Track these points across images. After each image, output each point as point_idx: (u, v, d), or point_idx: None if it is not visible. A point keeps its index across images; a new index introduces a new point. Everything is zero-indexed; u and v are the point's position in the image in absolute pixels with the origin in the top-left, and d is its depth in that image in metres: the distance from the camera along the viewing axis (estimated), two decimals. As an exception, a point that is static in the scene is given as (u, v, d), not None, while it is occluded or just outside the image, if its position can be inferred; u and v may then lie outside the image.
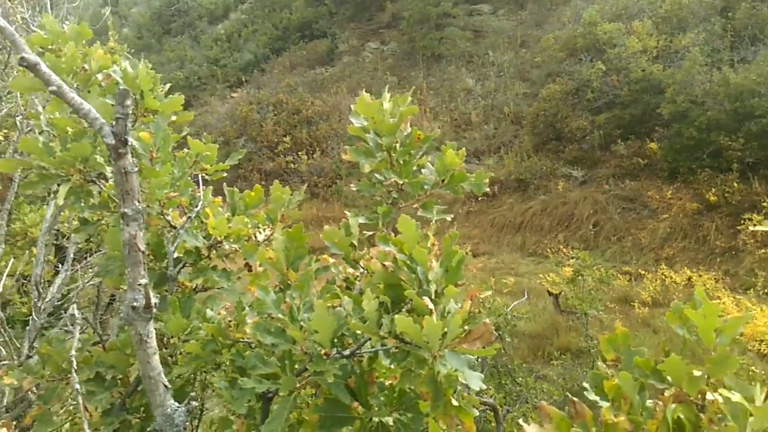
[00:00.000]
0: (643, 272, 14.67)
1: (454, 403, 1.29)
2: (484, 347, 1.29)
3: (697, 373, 1.07)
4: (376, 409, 1.43)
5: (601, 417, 1.09)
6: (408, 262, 1.38)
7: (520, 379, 8.87)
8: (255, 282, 2.11)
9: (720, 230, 15.49)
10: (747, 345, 10.22)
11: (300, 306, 1.45)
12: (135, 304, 1.28)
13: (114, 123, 1.25)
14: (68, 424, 2.55)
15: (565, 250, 16.28)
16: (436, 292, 1.36)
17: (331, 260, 1.89)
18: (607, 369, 1.19)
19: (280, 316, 1.41)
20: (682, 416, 1.09)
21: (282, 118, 27.75)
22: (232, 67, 33.90)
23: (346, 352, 1.46)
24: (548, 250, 17.13)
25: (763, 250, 14.11)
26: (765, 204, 14.90)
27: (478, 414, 1.85)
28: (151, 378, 1.32)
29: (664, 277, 14.05)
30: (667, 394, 1.09)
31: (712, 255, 15.08)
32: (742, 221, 14.99)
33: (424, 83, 27.16)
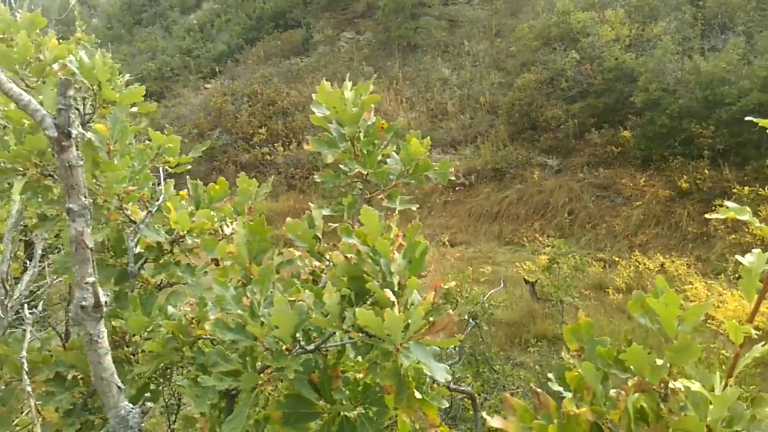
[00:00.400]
0: (617, 259, 14.91)
1: (418, 395, 1.27)
2: (448, 338, 1.27)
3: (658, 362, 1.07)
4: (340, 403, 1.40)
5: (563, 408, 1.08)
6: (371, 254, 1.35)
7: (498, 366, 8.95)
8: (221, 277, 2.07)
9: (692, 216, 15.80)
10: (719, 329, 10.47)
11: (261, 301, 1.41)
12: (84, 303, 1.23)
13: (56, 114, 1.19)
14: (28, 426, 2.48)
15: (541, 238, 16.45)
16: (399, 283, 1.33)
17: (298, 253, 1.86)
18: (570, 359, 1.18)
19: (239, 312, 1.38)
20: (645, 405, 1.08)
21: (257, 109, 27.43)
22: (206, 58, 33.32)
23: (311, 347, 1.43)
24: (524, 238, 17.29)
25: (733, 236, 14.43)
26: (735, 190, 15.22)
27: (448, 405, 1.84)
28: (103, 379, 1.27)
29: (637, 263, 14.29)
30: (630, 383, 1.09)
31: (684, 241, 15.37)
32: (713, 207, 15.30)
33: (400, 73, 27.09)
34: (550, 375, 1.20)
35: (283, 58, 31.17)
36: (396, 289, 1.30)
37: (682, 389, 1.07)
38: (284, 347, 1.35)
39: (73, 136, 1.20)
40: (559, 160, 19.98)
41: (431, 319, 1.33)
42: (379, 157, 1.81)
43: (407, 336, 1.24)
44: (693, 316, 1.06)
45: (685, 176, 16.47)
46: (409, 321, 1.23)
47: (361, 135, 1.78)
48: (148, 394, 1.35)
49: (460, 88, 25.36)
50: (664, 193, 16.69)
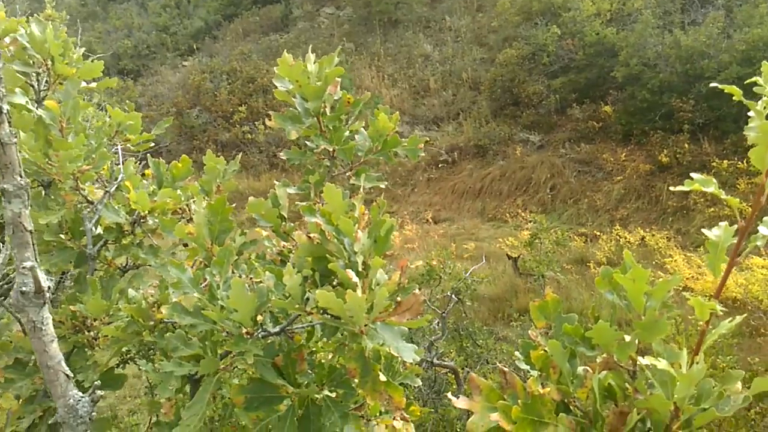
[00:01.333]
0: (598, 233, 15.05)
1: (382, 378, 1.24)
2: (414, 319, 1.23)
3: (626, 338, 1.04)
4: (306, 387, 1.36)
5: (528, 387, 1.06)
6: (335, 233, 1.30)
7: (481, 341, 9.02)
8: (190, 258, 2.01)
9: (672, 190, 15.95)
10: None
11: (220, 283, 1.36)
12: (24, 288, 1.17)
13: (-16, 88, 1.11)
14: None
15: (523, 214, 16.53)
16: (364, 263, 1.28)
17: (265, 233, 1.80)
18: (538, 337, 1.15)
19: (195, 295, 1.32)
20: (612, 383, 1.06)
21: (236, 86, 26.95)
22: (183, 35, 32.63)
23: (275, 329, 1.39)
24: (507, 214, 17.37)
25: (712, 209, 14.62)
26: (714, 164, 15.38)
27: (420, 384, 1.81)
28: (49, 368, 1.21)
29: (618, 237, 14.44)
30: (598, 361, 1.06)
31: (664, 215, 15.55)
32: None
33: (381, 49, 26.74)
34: (517, 353, 1.17)
35: (262, 35, 30.59)
36: (360, 269, 1.25)
37: (649, 366, 1.04)
38: (244, 331, 1.30)
39: (4, 111, 1.12)
40: (541, 136, 19.99)
41: (398, 299, 1.28)
42: (347, 133, 1.75)
43: (371, 317, 1.20)
44: (661, 292, 1.03)
45: (665, 150, 16.59)
46: (374, 302, 1.19)
47: (327, 110, 1.72)
48: (98, 383, 1.29)
49: (442, 65, 25.13)
50: (645, 167, 16.81)
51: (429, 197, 19.78)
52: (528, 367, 1.14)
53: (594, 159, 18.20)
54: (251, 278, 1.49)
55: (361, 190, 1.44)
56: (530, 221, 13.27)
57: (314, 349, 1.72)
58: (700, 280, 11.38)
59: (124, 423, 7.02)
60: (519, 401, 1.04)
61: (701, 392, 0.98)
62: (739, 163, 14.97)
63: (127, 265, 2.07)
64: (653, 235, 14.29)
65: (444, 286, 9.55)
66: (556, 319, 1.14)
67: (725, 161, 15.22)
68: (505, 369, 1.12)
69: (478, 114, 21.83)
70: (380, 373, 1.23)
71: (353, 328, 1.19)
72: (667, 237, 14.26)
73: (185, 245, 2.22)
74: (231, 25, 31.90)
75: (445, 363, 7.65)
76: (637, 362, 1.05)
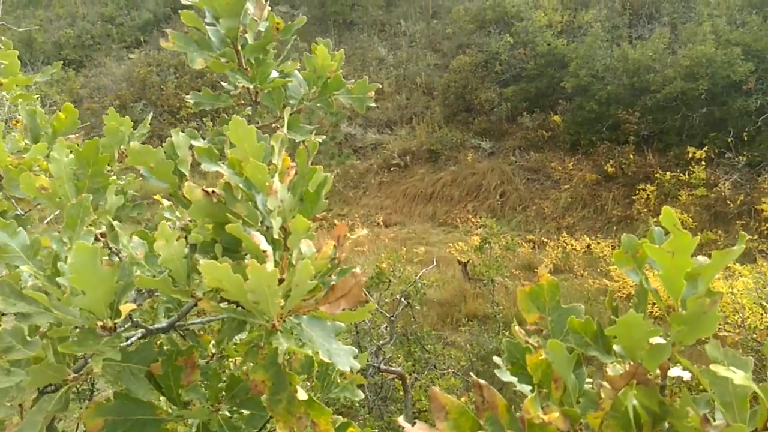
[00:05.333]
0: (545, 240, 15.12)
1: (302, 396, 0.85)
2: (352, 309, 0.86)
3: (657, 340, 0.70)
4: (192, 406, 0.96)
5: (522, 411, 0.70)
6: (244, 186, 0.92)
7: (429, 346, 8.76)
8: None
9: (616, 200, 16.24)
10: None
11: (69, 254, 0.94)
12: None
13: None
14: None
15: (473, 219, 16.46)
16: (283, 228, 0.90)
17: (167, 202, 1.39)
18: (526, 336, 0.80)
19: (25, 268, 0.90)
20: (636, 403, 0.72)
21: (184, 81, 26.00)
22: (130, 27, 31.46)
23: (162, 325, 0.99)
24: (458, 219, 17.27)
25: (655, 219, 14.92)
26: (657, 175, 15.75)
27: (361, 398, 1.44)
28: None
29: (565, 244, 14.53)
30: (611, 371, 0.71)
31: (609, 223, 15.78)
32: (637, 191, 15.79)
33: (335, 50, 26.37)
34: (497, 359, 0.82)
35: (212, 29, 29.69)
36: (277, 236, 0.87)
37: (687, 379, 0.72)
38: (99, 324, 0.89)
39: None
40: (492, 143, 20.05)
41: (333, 279, 0.91)
42: (275, 73, 1.36)
43: (289, 306, 0.82)
44: (712, 270, 0.70)
45: (611, 161, 16.89)
46: (292, 283, 0.81)
47: (249, 38, 1.33)
48: None
49: (396, 68, 24.98)
50: (591, 176, 17.07)
51: (380, 201, 19.49)
52: (514, 379, 0.79)
53: (542, 167, 18.38)
54: (112, 247, 1.07)
55: (284, 131, 1.05)
56: (481, 226, 13.14)
57: (225, 353, 1.32)
58: (643, 288, 11.50)
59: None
60: (507, 429, 0.69)
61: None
62: (681, 175, 15.38)
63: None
64: (598, 243, 14.46)
65: (393, 289, 9.25)
66: (554, 310, 0.79)
67: (668, 173, 15.61)
68: (482, 382, 0.76)
69: (431, 119, 21.74)
70: (299, 388, 0.85)
71: (260, 320, 0.81)
72: (611, 245, 14.44)
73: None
74: (181, 18, 30.85)
75: (393, 369, 7.32)
76: (669, 374, 0.72)
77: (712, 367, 0.62)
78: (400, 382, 7.43)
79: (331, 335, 0.93)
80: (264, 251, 0.78)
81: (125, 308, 0.82)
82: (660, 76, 16.17)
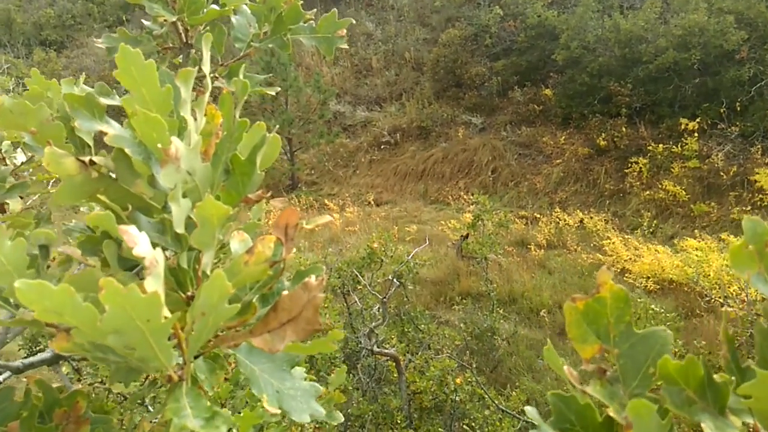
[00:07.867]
0: (538, 216, 14.97)
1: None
2: (306, 336, 0.62)
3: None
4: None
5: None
6: (137, 150, 0.69)
7: (423, 326, 8.62)
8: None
9: (609, 174, 16.08)
10: (635, 282, 10.64)
11: None
12: None
13: None
14: None
15: (465, 196, 16.27)
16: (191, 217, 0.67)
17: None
18: (581, 384, 0.54)
19: None
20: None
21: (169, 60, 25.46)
22: (111, 5, 30.81)
23: (37, 359, 0.77)
24: (450, 197, 17.08)
25: (647, 192, 14.79)
26: (650, 147, 15.57)
27: (341, 421, 1.23)
28: None
29: (558, 219, 14.40)
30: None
31: (601, 197, 15.65)
32: (629, 165, 15.63)
33: (322, 26, 25.82)
34: (531, 412, 0.57)
35: (195, 7, 29.02)
36: (179, 229, 0.64)
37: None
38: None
39: None
40: (483, 119, 19.78)
41: (281, 292, 0.68)
42: (214, 6, 1.11)
43: (194, 346, 0.59)
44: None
45: (603, 134, 16.70)
46: (197, 305, 0.58)
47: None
48: None
49: (384, 44, 24.52)
50: (583, 150, 16.88)
51: (371, 179, 19.24)
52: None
53: (534, 142, 18.17)
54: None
55: (209, 81, 0.80)
56: (473, 203, 12.95)
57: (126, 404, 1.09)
58: (637, 262, 11.41)
59: None
60: None
61: None
62: (674, 147, 15.22)
63: None
64: (591, 218, 14.34)
65: (385, 269, 9.08)
66: (624, 337, 0.53)
67: (660, 145, 15.44)
68: None
69: (421, 95, 21.40)
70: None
71: (149, 370, 0.58)
72: (604, 219, 14.34)
73: (3, 212, 1.56)
74: (161, -6, 30.12)
75: (386, 351, 7.18)
76: None
77: None
78: (394, 363, 7.29)
79: (283, 368, 0.70)
80: (142, 257, 0.55)
81: None
82: (652, 46, 15.90)
